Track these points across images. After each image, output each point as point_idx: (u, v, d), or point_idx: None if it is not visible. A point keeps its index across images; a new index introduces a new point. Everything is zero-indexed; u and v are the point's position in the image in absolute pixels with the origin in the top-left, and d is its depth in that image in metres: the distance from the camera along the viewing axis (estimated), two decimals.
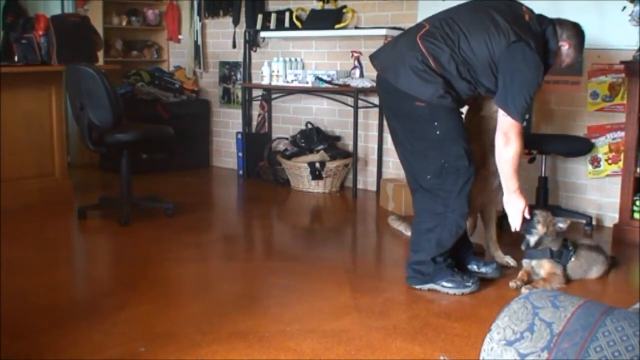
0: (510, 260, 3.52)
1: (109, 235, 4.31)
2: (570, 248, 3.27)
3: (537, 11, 4.55)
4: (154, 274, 3.42)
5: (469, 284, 3.12)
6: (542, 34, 3.05)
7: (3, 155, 4.53)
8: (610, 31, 4.26)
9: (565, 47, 3.13)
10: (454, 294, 3.10)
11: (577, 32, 3.19)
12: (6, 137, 4.55)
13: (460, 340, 2.60)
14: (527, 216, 3.14)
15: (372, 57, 3.27)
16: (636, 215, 4.05)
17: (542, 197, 4.33)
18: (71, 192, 5.01)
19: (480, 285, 3.15)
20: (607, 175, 4.41)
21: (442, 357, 2.44)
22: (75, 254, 4.14)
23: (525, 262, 3.28)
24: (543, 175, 4.33)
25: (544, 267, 3.21)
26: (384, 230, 4.44)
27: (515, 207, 3.12)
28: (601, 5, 4.25)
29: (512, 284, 3.15)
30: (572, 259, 3.26)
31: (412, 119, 3.07)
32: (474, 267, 3.31)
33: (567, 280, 3.24)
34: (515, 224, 3.13)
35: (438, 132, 3.01)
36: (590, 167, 4.49)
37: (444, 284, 3.12)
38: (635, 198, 4.04)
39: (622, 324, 1.07)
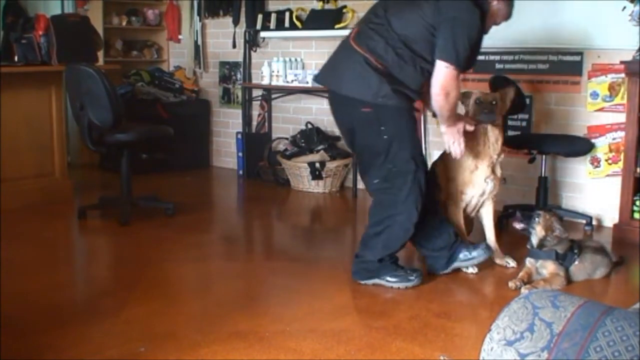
0: (510, 261, 3.52)
1: (109, 235, 4.31)
2: (575, 251, 3.26)
3: (536, 11, 4.55)
4: (154, 274, 3.42)
5: (412, 277, 3.14)
6: None
7: (3, 155, 4.53)
8: (610, 31, 4.26)
9: (494, 3, 3.09)
10: (398, 288, 3.12)
11: None
12: (6, 137, 4.55)
13: (460, 340, 2.60)
14: (470, 128, 3.22)
15: (315, 78, 3.31)
16: (636, 215, 4.04)
17: (542, 197, 4.33)
18: (71, 192, 5.01)
19: (480, 286, 3.16)
20: (607, 175, 4.41)
21: (442, 357, 2.44)
22: (75, 254, 4.14)
23: (529, 261, 3.28)
24: (543, 175, 4.32)
25: (547, 267, 3.20)
26: None
27: (452, 133, 3.14)
28: (601, 5, 4.25)
29: (511, 284, 3.15)
30: (576, 262, 3.26)
31: (360, 126, 3.06)
32: (466, 254, 3.30)
33: (569, 282, 3.24)
34: (454, 148, 3.17)
35: (385, 137, 2.99)
36: (590, 167, 4.49)
37: (388, 278, 3.14)
38: (635, 198, 4.04)
39: (622, 324, 1.07)
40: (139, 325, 2.70)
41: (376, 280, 3.16)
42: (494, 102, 3.48)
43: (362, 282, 3.18)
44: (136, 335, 2.59)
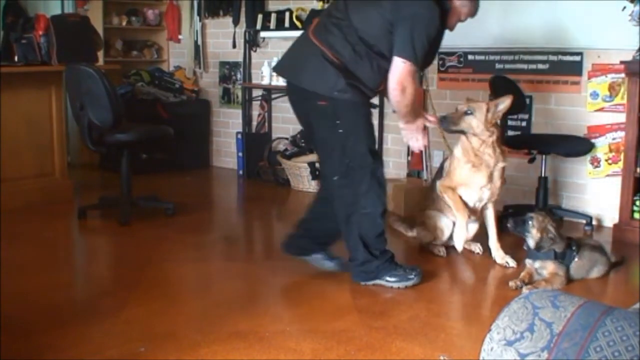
0: (510, 261, 3.52)
1: (109, 235, 4.31)
2: (574, 248, 3.26)
3: (536, 11, 4.55)
4: (154, 274, 3.42)
5: (412, 276, 3.14)
6: None
7: (3, 155, 4.53)
8: (610, 31, 4.25)
9: (456, 1, 3.05)
10: (398, 288, 3.11)
11: None
12: (6, 137, 4.55)
13: (460, 340, 2.60)
14: (429, 122, 3.23)
15: (275, 69, 3.32)
16: (636, 215, 4.04)
17: (542, 197, 4.33)
18: (71, 192, 5.01)
19: (481, 286, 3.16)
20: (607, 175, 4.41)
21: (442, 357, 2.44)
22: (75, 254, 4.14)
23: (528, 262, 3.27)
24: (543, 175, 4.32)
25: (547, 267, 3.20)
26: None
27: (411, 129, 3.14)
28: (601, 5, 4.25)
29: (512, 283, 3.15)
30: (576, 259, 3.25)
31: (317, 120, 3.05)
32: (318, 257, 3.29)
33: (569, 280, 3.23)
34: (413, 144, 3.21)
35: (341, 130, 2.98)
36: (590, 167, 4.49)
37: (388, 278, 3.13)
38: (635, 198, 4.04)
39: (622, 324, 1.07)
40: (139, 325, 2.70)
41: (377, 281, 3.16)
42: (468, 112, 3.44)
43: (363, 283, 3.18)
44: (136, 335, 2.59)
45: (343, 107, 2.95)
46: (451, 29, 3.14)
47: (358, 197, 3.03)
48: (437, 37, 3.03)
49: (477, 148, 3.45)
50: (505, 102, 3.44)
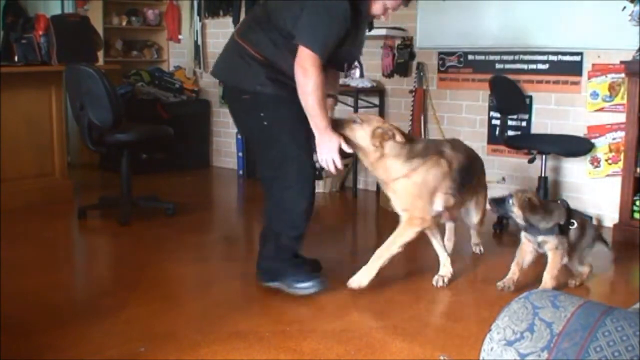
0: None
1: (109, 235, 4.31)
2: (572, 220, 3.13)
3: (537, 11, 4.54)
4: (154, 274, 3.42)
5: (310, 284, 2.99)
6: None
7: (3, 155, 4.53)
8: (610, 31, 4.26)
9: None
10: (294, 293, 2.99)
11: None
12: (6, 137, 4.55)
13: (460, 340, 2.60)
14: (346, 149, 2.93)
15: (211, 72, 3.32)
16: (636, 215, 4.04)
17: (542, 197, 4.32)
18: (71, 192, 5.01)
19: (481, 286, 3.15)
20: (607, 175, 4.41)
21: (442, 357, 2.44)
22: (75, 254, 4.14)
23: (525, 236, 3.13)
24: (543, 175, 4.32)
25: (549, 242, 3.08)
26: (384, 230, 4.44)
27: (327, 147, 2.90)
28: (601, 5, 4.25)
29: (500, 284, 3.10)
30: (575, 225, 3.13)
31: (244, 114, 3.03)
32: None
33: (571, 251, 3.14)
34: (328, 164, 2.94)
35: (266, 123, 2.94)
36: (590, 167, 4.49)
37: (289, 282, 3.02)
38: (635, 198, 4.04)
39: (622, 324, 1.07)
40: (139, 325, 2.70)
41: (276, 283, 3.05)
42: (356, 121, 3.06)
43: (265, 284, 3.11)
44: (136, 335, 2.59)
45: (265, 100, 2.92)
46: (373, 18, 2.99)
47: (284, 191, 2.98)
48: (355, 28, 2.88)
49: (367, 162, 3.10)
50: (397, 137, 3.00)
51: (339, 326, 2.71)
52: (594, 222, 4.36)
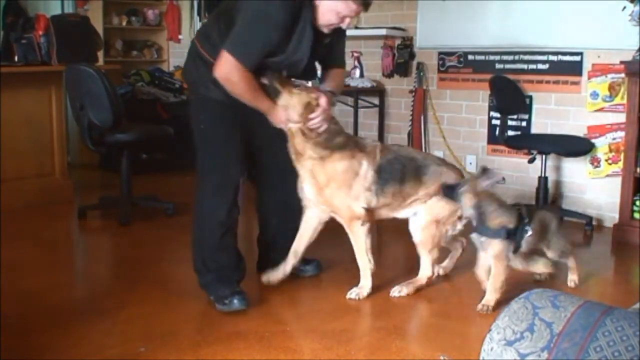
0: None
1: (109, 235, 4.31)
2: (526, 221, 2.85)
3: (537, 11, 4.54)
4: (154, 274, 3.42)
5: (233, 302, 2.84)
6: None
7: (3, 155, 4.53)
8: (610, 31, 4.26)
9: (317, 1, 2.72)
10: (220, 310, 2.86)
11: None
12: (6, 137, 4.55)
13: (460, 340, 2.60)
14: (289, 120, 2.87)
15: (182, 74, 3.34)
16: (636, 215, 4.05)
17: (542, 197, 4.33)
18: (71, 192, 5.01)
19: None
20: (607, 175, 4.41)
21: (442, 357, 2.44)
22: (75, 254, 4.14)
23: (473, 236, 2.91)
24: (543, 175, 4.33)
25: (492, 247, 2.80)
26: (384, 230, 4.44)
27: (276, 117, 2.87)
28: (601, 5, 4.25)
29: (480, 307, 2.88)
30: (529, 232, 2.85)
31: (190, 114, 2.99)
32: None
33: (525, 259, 2.93)
34: (286, 126, 2.90)
35: (202, 126, 2.92)
36: (590, 167, 4.49)
37: (212, 297, 2.92)
38: (635, 198, 4.04)
39: (622, 324, 1.07)
40: (139, 325, 2.70)
41: (210, 297, 2.93)
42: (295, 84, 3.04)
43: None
44: (136, 335, 2.59)
45: (207, 103, 2.89)
46: (325, 30, 2.80)
47: (203, 198, 2.94)
48: (299, 36, 2.74)
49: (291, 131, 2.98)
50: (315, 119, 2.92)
51: (339, 326, 2.71)
52: (594, 222, 4.36)
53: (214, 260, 2.95)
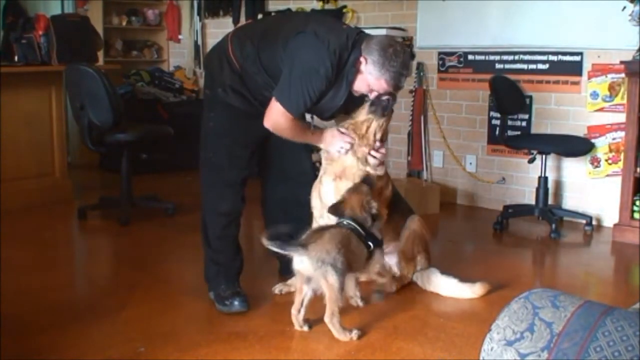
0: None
1: (109, 235, 4.31)
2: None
3: (537, 11, 4.53)
4: (154, 274, 3.42)
5: (233, 303, 2.85)
6: (350, 40, 2.75)
7: (3, 155, 4.53)
8: (610, 31, 4.26)
9: (362, 62, 2.74)
10: (219, 311, 2.87)
11: (383, 47, 2.72)
12: (6, 137, 4.55)
13: (460, 340, 2.60)
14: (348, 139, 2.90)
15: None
16: (636, 215, 4.05)
17: (542, 197, 4.33)
18: (71, 192, 5.01)
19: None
20: (607, 175, 4.41)
21: (442, 357, 2.44)
22: (75, 254, 4.14)
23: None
24: (543, 175, 4.32)
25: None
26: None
27: (332, 144, 2.91)
28: (601, 5, 4.25)
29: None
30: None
31: (204, 105, 3.07)
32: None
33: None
34: (346, 151, 2.91)
35: (211, 124, 2.98)
36: (590, 167, 4.49)
37: (212, 296, 2.94)
38: (635, 198, 4.04)
39: (622, 324, 1.07)
40: (139, 325, 2.70)
41: (210, 293, 2.97)
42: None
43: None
44: (136, 335, 2.59)
45: (219, 102, 2.94)
46: (355, 94, 2.86)
47: (204, 192, 3.06)
48: (336, 89, 2.80)
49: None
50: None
51: None
52: (594, 222, 4.36)
53: (215, 251, 3.02)
